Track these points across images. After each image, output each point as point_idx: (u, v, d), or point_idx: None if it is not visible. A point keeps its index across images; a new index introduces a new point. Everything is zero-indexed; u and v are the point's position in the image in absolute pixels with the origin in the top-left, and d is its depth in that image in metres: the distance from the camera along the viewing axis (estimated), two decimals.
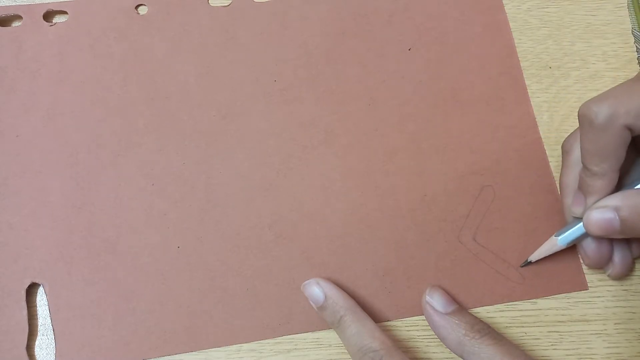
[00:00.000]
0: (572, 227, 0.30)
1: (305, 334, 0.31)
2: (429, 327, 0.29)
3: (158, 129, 0.34)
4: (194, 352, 0.30)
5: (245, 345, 0.31)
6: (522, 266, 0.32)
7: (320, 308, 0.30)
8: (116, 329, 0.30)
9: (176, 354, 0.30)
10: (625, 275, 0.31)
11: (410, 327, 0.31)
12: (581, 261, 0.32)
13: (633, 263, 0.32)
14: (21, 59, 0.34)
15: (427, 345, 0.31)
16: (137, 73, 0.35)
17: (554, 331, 0.31)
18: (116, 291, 0.31)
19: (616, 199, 0.27)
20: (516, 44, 0.37)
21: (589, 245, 0.30)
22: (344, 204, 0.33)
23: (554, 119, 0.35)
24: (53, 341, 0.30)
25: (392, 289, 0.32)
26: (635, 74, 0.36)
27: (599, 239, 0.29)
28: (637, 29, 0.38)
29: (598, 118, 0.27)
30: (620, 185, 0.29)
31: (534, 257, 0.31)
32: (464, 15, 0.37)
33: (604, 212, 0.27)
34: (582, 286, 0.32)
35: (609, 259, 0.30)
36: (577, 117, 0.29)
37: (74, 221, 0.32)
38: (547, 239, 0.31)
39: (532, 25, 0.38)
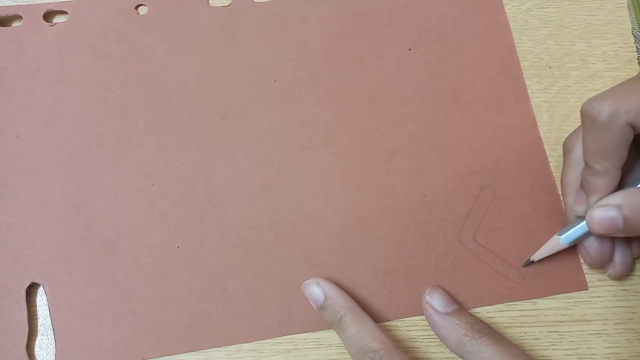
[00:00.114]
0: (574, 226, 0.30)
1: (305, 334, 0.31)
2: (429, 327, 0.29)
3: (158, 129, 0.34)
4: (194, 352, 0.30)
5: (245, 345, 0.31)
6: (525, 266, 0.32)
7: (320, 308, 0.30)
8: (116, 329, 0.30)
9: (176, 354, 0.30)
10: (625, 275, 0.31)
11: (410, 327, 0.31)
12: (581, 261, 0.32)
13: (633, 263, 0.32)
14: (21, 59, 0.34)
15: (427, 345, 0.31)
16: (137, 73, 0.35)
17: (554, 331, 0.31)
18: (116, 291, 0.31)
19: (619, 197, 0.27)
20: (516, 44, 0.37)
21: (591, 245, 0.30)
22: (344, 204, 0.33)
23: (554, 119, 0.35)
24: (53, 341, 0.30)
25: (392, 289, 0.32)
26: (635, 74, 0.36)
27: (600, 238, 0.29)
28: (637, 29, 0.38)
29: (601, 116, 0.27)
30: (622, 184, 0.29)
31: (536, 256, 0.31)
32: (464, 15, 0.37)
33: (607, 210, 0.27)
34: (582, 286, 0.32)
35: (611, 258, 0.30)
36: (577, 117, 0.29)
37: (74, 221, 0.32)
38: (547, 239, 0.31)
39: (532, 25, 0.38)
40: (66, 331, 0.30)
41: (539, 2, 0.38)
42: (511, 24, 0.37)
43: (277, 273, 0.32)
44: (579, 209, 0.29)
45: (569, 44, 0.37)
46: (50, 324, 0.30)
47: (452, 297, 0.30)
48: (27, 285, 0.31)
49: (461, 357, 0.27)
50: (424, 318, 0.30)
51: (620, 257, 0.30)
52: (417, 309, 0.31)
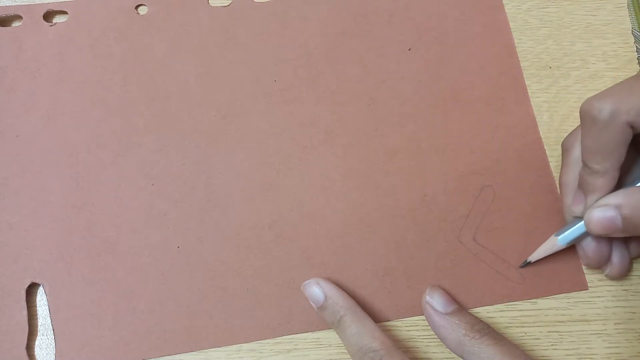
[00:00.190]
0: (572, 227, 0.30)
1: (305, 334, 0.31)
2: (429, 327, 0.29)
3: (158, 129, 0.34)
4: (194, 352, 0.30)
5: (245, 345, 0.31)
6: (522, 267, 0.32)
7: (320, 308, 0.30)
8: (116, 329, 0.30)
9: (176, 354, 0.30)
10: (623, 275, 0.31)
11: (410, 327, 0.31)
12: (581, 261, 0.32)
13: (631, 263, 0.32)
14: (21, 59, 0.34)
15: (427, 345, 0.31)
16: (137, 73, 0.35)
17: (554, 331, 0.31)
18: (116, 291, 0.31)
19: (618, 197, 0.27)
20: (516, 44, 0.37)
21: (589, 245, 0.30)
22: (344, 204, 0.33)
23: (554, 119, 0.35)
24: (53, 341, 0.30)
25: (392, 289, 0.32)
26: (635, 73, 0.36)
27: (598, 238, 0.29)
28: (637, 29, 0.38)
29: (601, 114, 0.27)
30: (620, 184, 0.28)
31: (533, 257, 0.31)
32: (464, 15, 0.37)
33: (606, 210, 0.27)
34: (582, 286, 0.32)
35: (608, 258, 0.30)
36: (577, 117, 0.29)
37: (74, 221, 0.32)
38: (547, 239, 0.31)
39: (532, 25, 0.38)
40: (66, 331, 0.30)
41: (539, 2, 0.38)
42: (511, 24, 0.37)
43: (277, 273, 0.32)
44: (577, 209, 0.29)
45: (569, 44, 0.37)
46: (50, 324, 0.30)
47: (452, 297, 0.30)
48: (27, 285, 0.31)
49: (461, 357, 0.27)
50: (424, 318, 0.30)
51: (618, 257, 0.30)
52: (417, 309, 0.31)
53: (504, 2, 0.38)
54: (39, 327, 0.30)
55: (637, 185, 0.28)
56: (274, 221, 0.32)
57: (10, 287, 0.31)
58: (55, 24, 0.35)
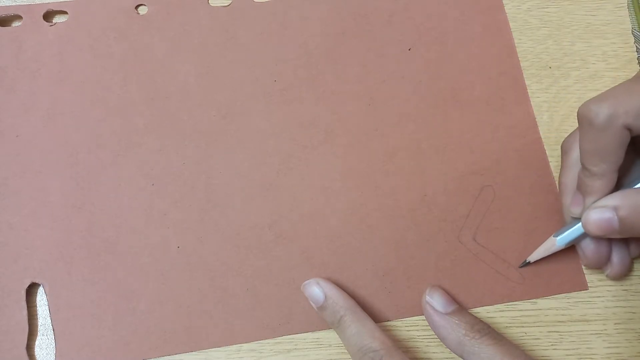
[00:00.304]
0: (570, 228, 0.30)
1: (305, 334, 0.31)
2: (429, 327, 0.29)
3: (158, 129, 0.34)
4: (194, 352, 0.30)
5: (245, 345, 0.31)
6: (521, 267, 0.32)
7: (320, 308, 0.30)
8: (116, 329, 0.30)
9: (176, 354, 0.30)
10: (623, 275, 0.31)
11: (410, 327, 0.31)
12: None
13: (631, 263, 0.32)
14: (21, 59, 0.34)
15: (427, 345, 0.31)
16: (137, 73, 0.35)
17: (554, 331, 0.31)
18: (116, 291, 0.31)
19: (615, 199, 0.27)
20: (516, 44, 0.37)
21: (588, 246, 0.30)
22: (344, 204, 0.33)
23: (554, 119, 0.35)
24: (53, 341, 0.30)
25: (392, 289, 0.32)
26: (635, 73, 0.36)
27: (597, 239, 0.29)
28: (637, 29, 0.38)
29: (598, 118, 0.27)
30: (619, 185, 0.28)
31: (532, 257, 0.31)
32: (464, 15, 0.37)
33: (603, 211, 0.27)
34: (582, 286, 0.32)
35: (608, 259, 0.30)
36: (577, 118, 0.29)
37: (74, 221, 0.32)
38: (547, 239, 0.31)
39: (532, 25, 0.38)
40: (66, 331, 0.30)
41: (539, 2, 0.38)
42: (511, 24, 0.37)
43: (277, 273, 0.32)
44: (576, 210, 0.29)
45: (569, 44, 0.37)
46: (50, 324, 0.30)
47: (452, 297, 0.30)
48: (27, 285, 0.31)
49: (461, 357, 0.27)
50: (424, 318, 0.30)
51: (618, 257, 0.30)
52: (417, 309, 0.31)
53: (504, 2, 0.38)
54: (39, 327, 0.30)
55: (635, 187, 0.28)
56: (274, 221, 0.32)
57: (10, 287, 0.31)
58: (55, 24, 0.35)
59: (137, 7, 0.36)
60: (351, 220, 0.33)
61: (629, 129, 0.26)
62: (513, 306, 0.32)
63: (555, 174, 0.34)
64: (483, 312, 0.32)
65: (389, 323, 0.31)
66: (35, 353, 0.30)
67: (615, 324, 0.31)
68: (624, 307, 0.32)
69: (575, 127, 0.31)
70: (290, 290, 0.31)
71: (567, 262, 0.32)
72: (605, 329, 0.31)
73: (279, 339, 0.31)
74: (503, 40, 0.37)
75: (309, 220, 0.33)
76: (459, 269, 0.32)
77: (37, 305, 0.31)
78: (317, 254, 0.32)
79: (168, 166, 0.33)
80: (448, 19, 0.37)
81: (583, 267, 0.32)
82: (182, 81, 0.35)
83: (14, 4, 0.36)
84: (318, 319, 0.31)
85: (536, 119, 0.35)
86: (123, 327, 0.30)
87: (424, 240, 0.32)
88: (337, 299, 0.29)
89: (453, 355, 0.29)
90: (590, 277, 0.32)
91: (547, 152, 0.35)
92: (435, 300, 0.29)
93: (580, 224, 0.29)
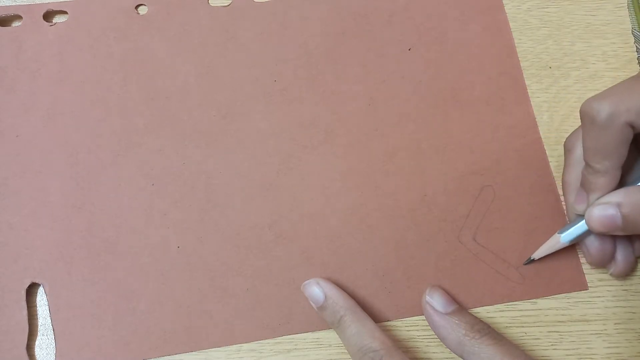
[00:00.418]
0: (575, 225, 0.30)
1: (305, 334, 0.31)
2: (429, 327, 0.29)
3: (158, 129, 0.34)
4: (194, 352, 0.30)
5: (245, 345, 0.31)
6: (526, 264, 0.32)
7: (320, 308, 0.30)
8: (116, 329, 0.30)
9: (176, 354, 0.30)
10: (627, 273, 0.31)
11: (410, 327, 0.31)
12: (581, 261, 0.32)
13: (635, 261, 0.32)
14: (21, 59, 0.34)
15: (427, 345, 0.31)
16: (137, 73, 0.35)
17: (554, 331, 0.31)
18: (116, 291, 0.31)
19: (618, 196, 0.27)
20: (516, 44, 0.37)
21: (592, 243, 0.30)
22: (344, 204, 0.33)
23: (554, 119, 0.35)
24: (53, 341, 0.30)
25: (392, 289, 0.32)
26: (635, 74, 0.36)
27: (602, 236, 0.29)
28: (637, 29, 0.38)
29: (600, 115, 0.27)
30: (622, 183, 0.29)
31: (537, 254, 0.31)
32: (464, 15, 0.37)
33: (606, 208, 0.27)
34: (582, 286, 0.32)
35: (612, 257, 0.30)
36: (577, 117, 0.29)
37: (74, 221, 0.32)
38: (547, 239, 0.31)
39: (532, 25, 0.38)
40: (66, 331, 0.30)
41: (539, 2, 0.38)
42: (511, 24, 0.37)
43: (277, 273, 0.32)
44: (580, 208, 0.29)
45: (569, 44, 0.37)
46: (50, 324, 0.30)
47: (452, 297, 0.30)
48: (27, 285, 0.31)
49: (461, 357, 0.27)
50: (424, 318, 0.30)
51: (622, 255, 0.30)
52: (417, 309, 0.31)
53: (504, 2, 0.38)
54: (39, 327, 0.30)
55: (639, 184, 0.28)
56: (274, 221, 0.32)
57: (10, 287, 0.31)
58: (55, 24, 0.35)
59: (137, 7, 0.36)
60: (351, 220, 0.33)
61: (632, 126, 0.26)
62: (513, 306, 0.32)
63: (556, 174, 0.34)
64: (483, 312, 0.32)
65: (389, 323, 0.31)
66: (35, 353, 0.30)
67: (615, 324, 0.31)
68: (624, 307, 0.32)
69: (576, 127, 0.32)
70: (290, 290, 0.31)
71: (567, 262, 0.32)
72: (605, 329, 0.31)
73: (279, 339, 0.31)
74: (503, 40, 0.37)
75: (309, 220, 0.33)
76: (459, 269, 0.32)
77: (37, 305, 0.31)
78: (317, 254, 0.32)
79: (168, 166, 0.33)
80: (448, 19, 0.37)
81: (583, 267, 0.32)
82: (182, 81, 0.35)
83: (14, 4, 0.36)
84: (318, 319, 0.31)
85: (536, 119, 0.35)
86: (123, 327, 0.30)
87: (424, 240, 0.32)
88: (337, 299, 0.29)
89: (453, 355, 0.29)
90: (590, 277, 0.32)
91: (547, 152, 0.35)
92: (435, 300, 0.29)
93: (584, 221, 0.29)
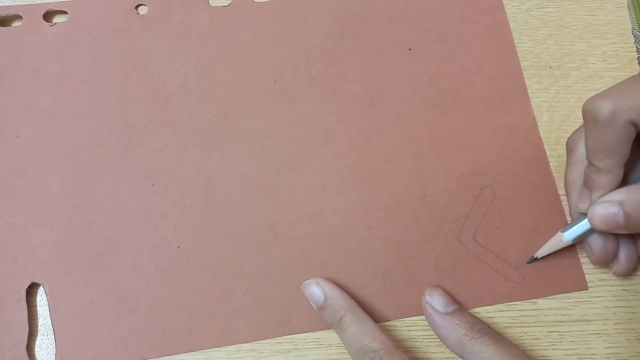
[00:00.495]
0: (578, 223, 0.30)
1: (305, 334, 0.31)
2: (429, 327, 0.29)
3: (158, 129, 0.34)
4: (194, 352, 0.30)
5: (245, 345, 0.31)
6: (528, 262, 0.32)
7: (320, 308, 0.30)
8: (116, 329, 0.30)
9: (176, 354, 0.30)
10: (630, 272, 0.31)
11: (410, 327, 0.31)
12: (581, 260, 0.32)
13: (638, 260, 0.32)
14: (21, 59, 0.34)
15: (427, 345, 0.31)
16: (137, 73, 0.35)
17: (554, 331, 0.31)
18: (116, 291, 0.31)
19: (620, 194, 0.27)
20: (516, 44, 0.37)
21: (595, 242, 0.30)
22: (344, 204, 0.33)
23: (554, 119, 0.35)
24: (53, 341, 0.30)
25: (392, 289, 0.32)
26: (635, 73, 0.36)
27: (604, 235, 0.29)
28: (637, 29, 0.38)
29: (602, 114, 0.27)
30: (625, 181, 0.29)
31: (540, 253, 0.31)
32: (464, 15, 0.37)
33: (608, 206, 0.27)
34: (582, 286, 0.32)
35: (615, 255, 0.30)
36: (577, 117, 0.29)
37: (74, 221, 0.32)
38: (547, 239, 0.31)
39: (532, 25, 0.38)
40: (66, 331, 0.30)
41: (539, 2, 0.38)
42: (511, 24, 0.37)
43: (277, 273, 0.32)
44: (582, 206, 0.29)
45: (569, 44, 0.37)
46: (50, 324, 0.30)
47: (452, 297, 0.30)
48: (27, 285, 0.31)
49: (461, 357, 0.27)
50: (424, 318, 0.30)
51: (625, 254, 0.30)
52: (417, 309, 0.31)
53: (504, 2, 0.38)
54: (39, 327, 0.30)
55: None
56: (274, 221, 0.32)
57: (10, 287, 0.31)
58: (55, 24, 0.35)
59: (137, 7, 0.36)
60: (351, 220, 0.33)
61: (634, 125, 0.26)
62: (513, 306, 0.32)
63: (556, 174, 0.34)
64: (483, 312, 0.32)
65: (389, 323, 0.31)
66: (35, 353, 0.30)
67: (615, 324, 0.31)
68: (624, 307, 0.32)
69: (576, 127, 0.32)
70: (290, 290, 0.31)
71: (567, 261, 0.32)
72: (605, 329, 0.31)
73: (279, 339, 0.31)
74: (503, 40, 0.37)
75: (309, 220, 0.33)
76: (459, 269, 0.32)
77: (37, 305, 0.31)
78: (317, 254, 0.32)
79: (168, 166, 0.33)
80: (448, 19, 0.37)
81: (583, 267, 0.32)
82: (182, 81, 0.35)
83: (14, 4, 0.36)
84: (318, 319, 0.31)
85: (536, 119, 0.35)
86: (123, 327, 0.30)
87: (424, 240, 0.32)
88: (337, 299, 0.29)
89: (453, 355, 0.29)
90: (591, 277, 0.32)
91: (547, 152, 0.35)
92: (435, 300, 0.29)
93: (587, 219, 0.29)
